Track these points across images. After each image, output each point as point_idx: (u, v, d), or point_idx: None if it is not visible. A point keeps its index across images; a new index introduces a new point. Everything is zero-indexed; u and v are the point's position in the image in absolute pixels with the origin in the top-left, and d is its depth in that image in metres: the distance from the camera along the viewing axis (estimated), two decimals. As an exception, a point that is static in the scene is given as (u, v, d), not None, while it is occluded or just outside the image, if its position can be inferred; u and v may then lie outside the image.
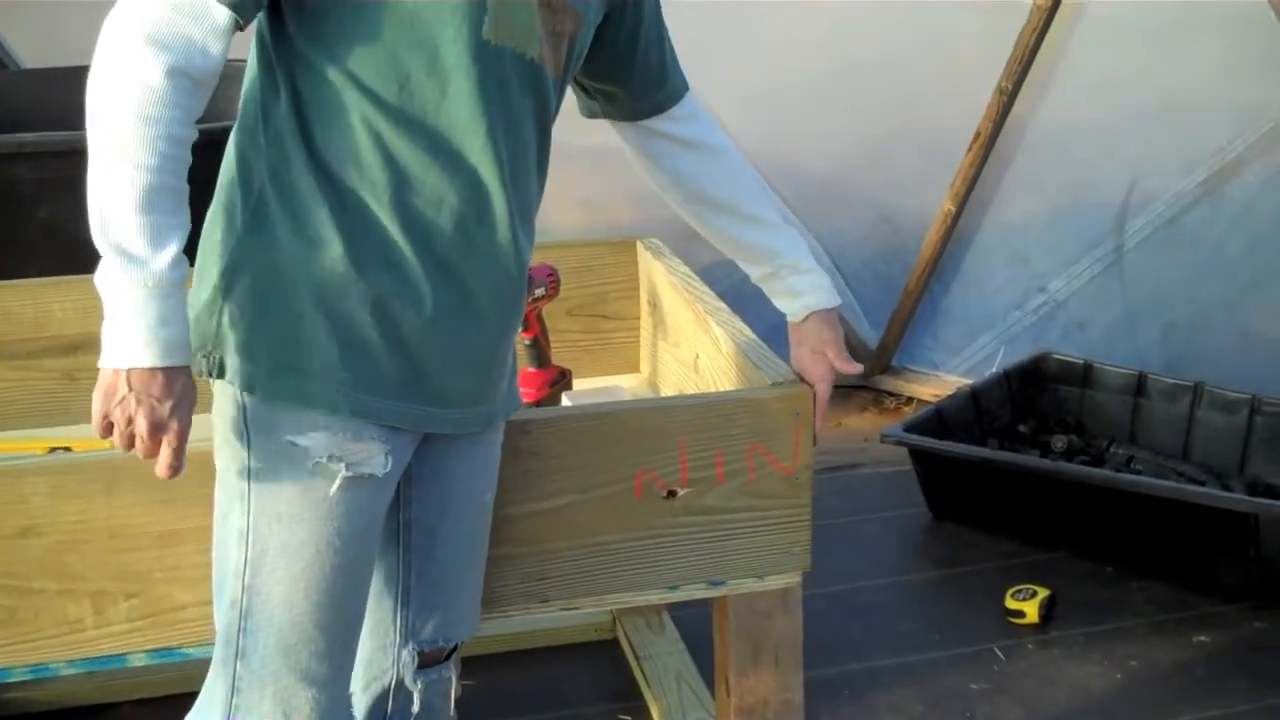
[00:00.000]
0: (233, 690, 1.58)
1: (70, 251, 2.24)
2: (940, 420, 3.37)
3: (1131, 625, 2.84)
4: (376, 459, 1.56)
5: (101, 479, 1.75)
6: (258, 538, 1.55)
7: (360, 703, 1.78)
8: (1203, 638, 2.79)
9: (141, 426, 1.42)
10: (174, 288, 1.42)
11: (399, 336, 1.55)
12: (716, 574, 1.97)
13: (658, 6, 1.82)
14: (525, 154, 1.61)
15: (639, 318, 2.70)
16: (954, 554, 3.18)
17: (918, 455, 3.29)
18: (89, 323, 2.35)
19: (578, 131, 3.77)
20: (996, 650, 2.76)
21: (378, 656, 1.76)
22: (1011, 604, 2.85)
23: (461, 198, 1.55)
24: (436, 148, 1.53)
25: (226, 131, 1.60)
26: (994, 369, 3.65)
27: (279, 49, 1.52)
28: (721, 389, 2.18)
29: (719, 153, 1.92)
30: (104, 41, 1.39)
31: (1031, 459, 3.23)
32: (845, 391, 4.12)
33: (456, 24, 1.49)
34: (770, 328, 4.04)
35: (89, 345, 2.13)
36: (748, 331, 2.18)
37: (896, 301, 4.01)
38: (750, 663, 2.03)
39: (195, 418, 1.48)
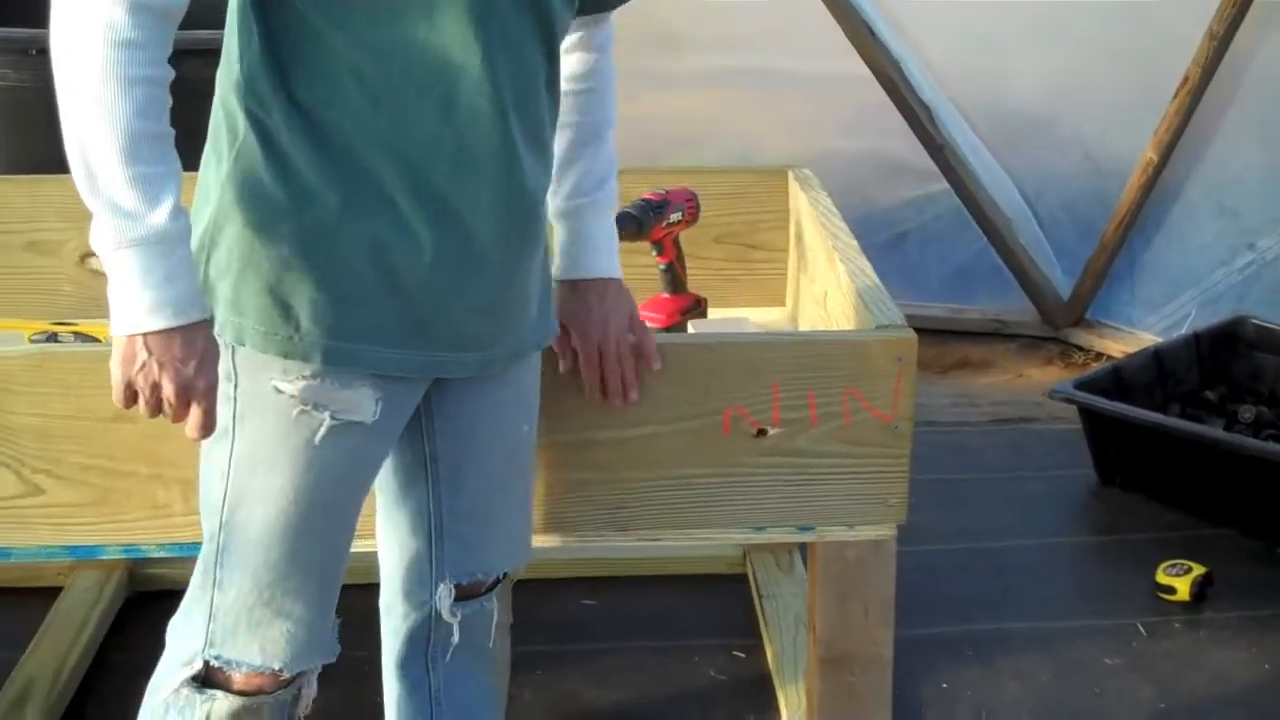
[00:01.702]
0: (210, 616, 1.57)
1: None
2: (1118, 379, 3.19)
3: (1289, 614, 2.66)
4: (365, 406, 1.51)
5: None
6: (237, 477, 1.52)
7: (400, 633, 1.78)
8: (1370, 636, 2.58)
9: (169, 391, 1.36)
10: (177, 240, 1.34)
11: (397, 284, 1.48)
12: (805, 519, 1.90)
13: None
14: (530, 76, 1.51)
15: (787, 250, 2.62)
16: (1113, 520, 3.01)
17: (1087, 414, 3.13)
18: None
19: (795, 57, 3.78)
20: (1139, 626, 2.61)
21: (415, 590, 1.76)
22: (1163, 578, 2.69)
23: (459, 133, 1.46)
24: (427, 82, 1.44)
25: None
26: (1184, 330, 3.44)
27: None
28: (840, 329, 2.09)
29: (607, 82, 1.77)
30: None
31: (1199, 427, 3.03)
32: (1032, 342, 3.95)
33: None
34: (956, 271, 3.94)
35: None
36: (869, 272, 2.08)
37: (1092, 250, 3.80)
38: (837, 614, 1.96)
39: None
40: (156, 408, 1.39)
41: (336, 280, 1.47)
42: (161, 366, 1.35)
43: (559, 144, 1.68)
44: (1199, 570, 2.68)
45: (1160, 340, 3.53)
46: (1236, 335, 3.37)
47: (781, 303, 2.63)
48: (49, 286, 2.48)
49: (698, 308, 2.46)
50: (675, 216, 2.39)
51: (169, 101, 1.34)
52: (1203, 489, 2.97)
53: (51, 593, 2.59)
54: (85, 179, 1.31)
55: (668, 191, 2.38)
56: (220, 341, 1.47)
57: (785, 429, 1.85)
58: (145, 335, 1.35)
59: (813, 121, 4.02)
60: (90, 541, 1.85)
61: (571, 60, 1.73)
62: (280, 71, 1.43)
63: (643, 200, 2.35)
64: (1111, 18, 3.58)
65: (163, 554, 1.88)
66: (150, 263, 1.32)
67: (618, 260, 1.82)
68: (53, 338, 2.28)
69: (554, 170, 1.68)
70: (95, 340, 2.26)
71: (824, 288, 2.27)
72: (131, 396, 1.38)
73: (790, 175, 2.62)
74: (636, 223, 2.31)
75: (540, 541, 1.88)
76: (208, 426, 1.41)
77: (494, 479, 1.72)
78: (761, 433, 1.85)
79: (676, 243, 2.44)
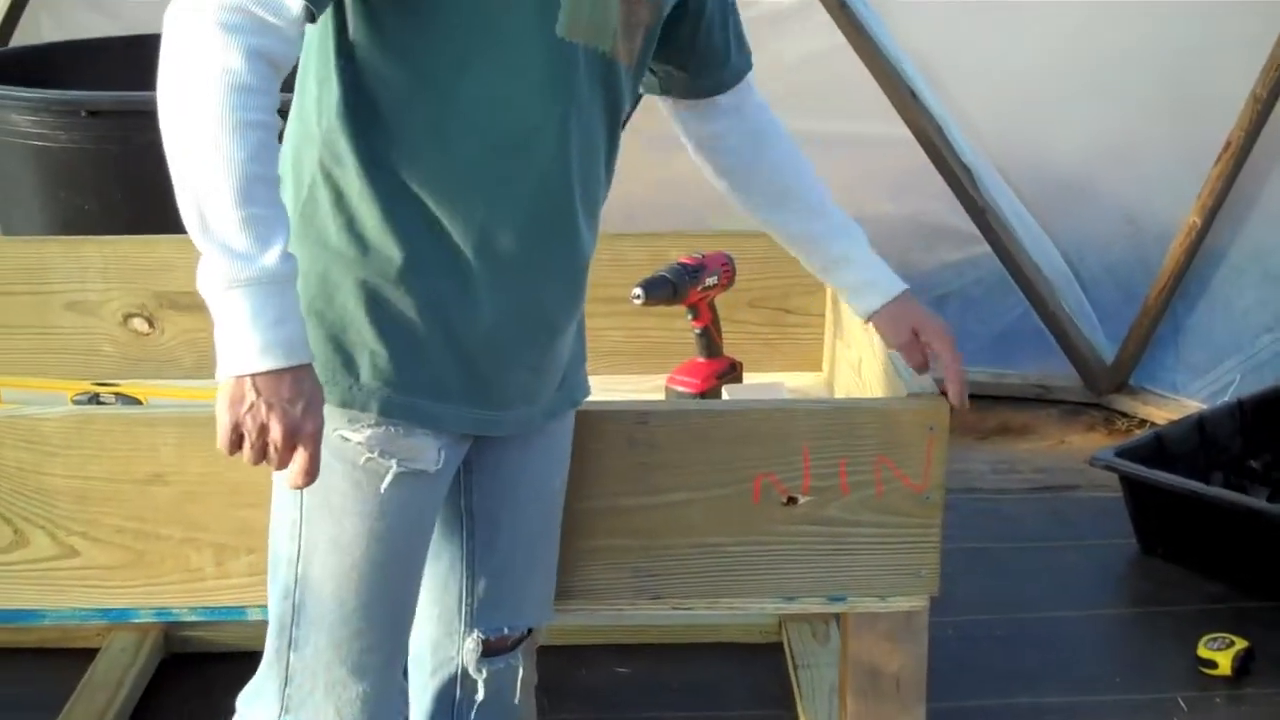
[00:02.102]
0: (286, 680, 1.58)
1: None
2: (1160, 447, 3.15)
3: (1337, 694, 2.60)
4: (429, 454, 1.54)
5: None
6: (309, 530, 1.54)
7: (428, 689, 1.77)
8: None
9: (276, 434, 1.34)
10: (287, 282, 1.34)
11: (454, 341, 1.51)
12: (836, 589, 1.89)
13: None
14: (595, 150, 1.56)
15: (824, 314, 2.61)
16: (1154, 591, 2.97)
17: (1128, 483, 3.09)
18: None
19: (837, 118, 3.80)
20: (1180, 701, 2.56)
21: (444, 643, 1.76)
22: (1204, 652, 2.64)
23: (527, 198, 1.50)
24: (502, 147, 1.48)
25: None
26: (1228, 396, 3.40)
27: (340, 44, 1.47)
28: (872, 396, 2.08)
29: (777, 139, 1.83)
30: (172, 29, 1.32)
31: (1242, 497, 2.99)
32: (1075, 408, 3.91)
33: (532, 22, 1.44)
34: (997, 335, 3.92)
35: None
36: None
37: (1136, 314, 3.77)
38: (869, 687, 1.94)
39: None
40: (262, 452, 1.36)
41: (396, 334, 1.50)
42: (270, 408, 1.33)
43: (793, 216, 1.83)
44: (1241, 644, 2.64)
45: (1204, 407, 3.49)
46: (1281, 403, 3.34)
47: (818, 368, 2.62)
48: (90, 347, 2.51)
49: (733, 372, 2.46)
50: (711, 281, 2.39)
51: (279, 148, 1.38)
52: (1246, 560, 2.92)
53: (87, 654, 2.60)
54: (197, 221, 1.32)
55: (704, 255, 2.39)
56: None
57: (816, 497, 1.84)
58: (255, 376, 1.33)
59: (854, 183, 4.00)
60: (123, 604, 1.87)
61: (735, 135, 1.81)
62: (359, 127, 1.46)
63: (678, 264, 2.36)
64: (1153, 80, 3.57)
65: (195, 618, 1.90)
66: (262, 304, 1.32)
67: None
68: (95, 398, 2.31)
69: (797, 243, 1.86)
70: (136, 401, 2.30)
71: (859, 353, 2.26)
72: (237, 440, 1.35)
73: (827, 240, 2.61)
74: (672, 287, 2.32)
75: (569, 608, 1.88)
76: (312, 472, 1.38)
77: (527, 534, 1.73)
78: (792, 500, 1.84)
79: (712, 306, 2.44)
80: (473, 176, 1.48)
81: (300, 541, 1.55)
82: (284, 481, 1.42)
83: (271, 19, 1.32)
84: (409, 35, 1.45)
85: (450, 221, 1.49)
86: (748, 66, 1.80)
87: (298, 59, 1.40)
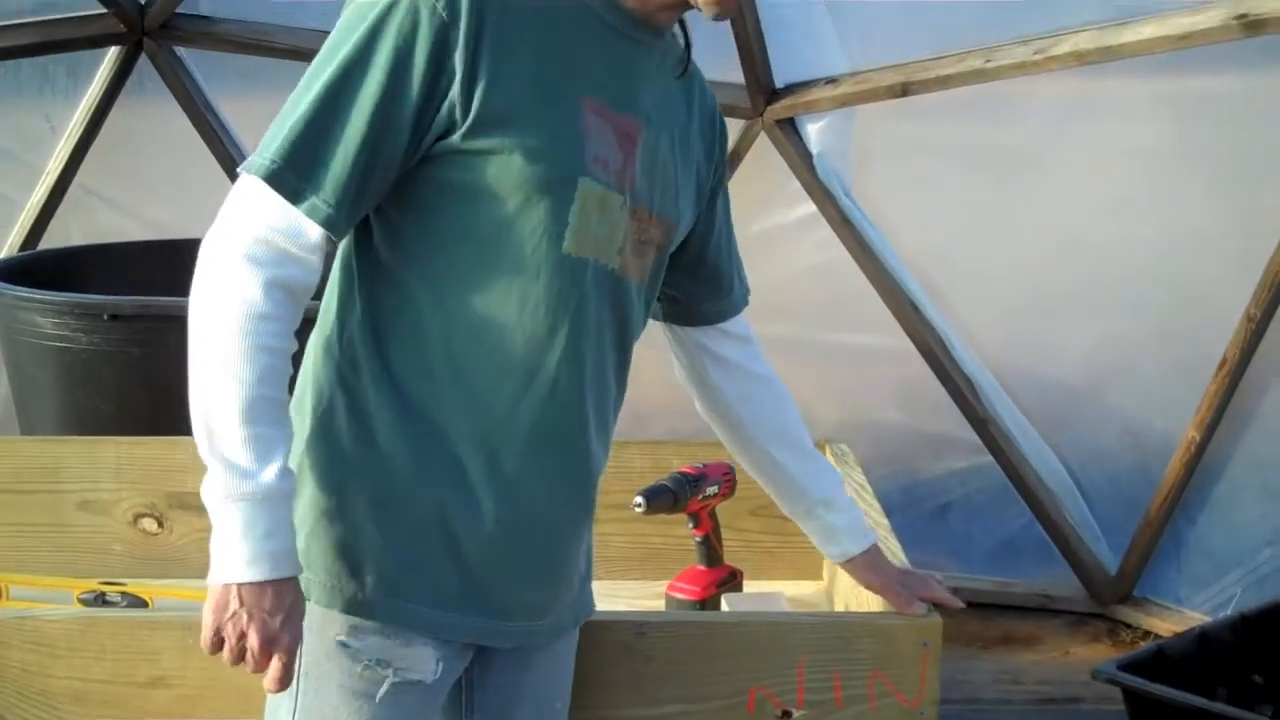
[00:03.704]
0: None
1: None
2: (1162, 660, 3.12)
3: None
4: (427, 666, 1.55)
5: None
6: None
7: None
8: None
9: (254, 642, 1.41)
10: (281, 498, 1.43)
11: (459, 550, 1.55)
12: (830, 805, 1.88)
13: (729, 210, 1.83)
14: (604, 366, 1.61)
15: (823, 524, 2.64)
16: (1160, 810, 2.92)
17: (1131, 697, 3.06)
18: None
19: (842, 329, 3.88)
20: None
21: None
22: None
23: (535, 412, 1.55)
24: (512, 362, 1.53)
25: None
26: (1228, 611, 3.38)
27: (361, 260, 1.56)
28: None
29: (766, 380, 1.90)
30: (203, 260, 1.44)
31: (1246, 714, 2.93)
32: (1079, 619, 3.89)
33: (537, 239, 1.51)
34: (1001, 544, 3.92)
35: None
36: (899, 553, 2.10)
37: (1138, 525, 3.79)
38: None
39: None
40: (240, 656, 1.43)
41: (403, 542, 1.53)
42: (250, 617, 1.41)
43: (783, 455, 1.88)
44: None
45: (1207, 619, 3.48)
46: (1284, 617, 3.32)
47: (818, 577, 2.64)
48: (100, 546, 2.55)
49: (733, 581, 2.48)
50: (711, 490, 2.43)
51: (289, 371, 1.46)
52: (1252, 778, 2.87)
53: None
54: (205, 435, 1.42)
55: (705, 465, 2.44)
56: None
57: (810, 711, 1.85)
58: (240, 585, 1.41)
59: (859, 391, 4.08)
60: (119, 807, 1.87)
61: (732, 367, 1.88)
62: (377, 338, 1.54)
63: (680, 473, 2.41)
64: (1150, 297, 3.64)
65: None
66: (254, 517, 1.41)
67: None
68: (101, 597, 2.33)
69: (782, 482, 1.92)
70: (143, 601, 2.32)
71: (857, 566, 2.28)
72: (218, 643, 1.43)
73: (828, 449, 2.67)
74: (673, 496, 2.36)
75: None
76: (285, 680, 1.44)
77: None
78: (786, 715, 1.85)
79: (713, 515, 2.47)
80: (482, 390, 1.53)
81: None
82: (267, 686, 1.45)
83: (293, 249, 1.43)
84: (420, 252, 1.53)
85: (458, 433, 1.53)
86: (744, 301, 1.88)
87: (316, 284, 1.48)
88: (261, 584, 1.41)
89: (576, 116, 1.52)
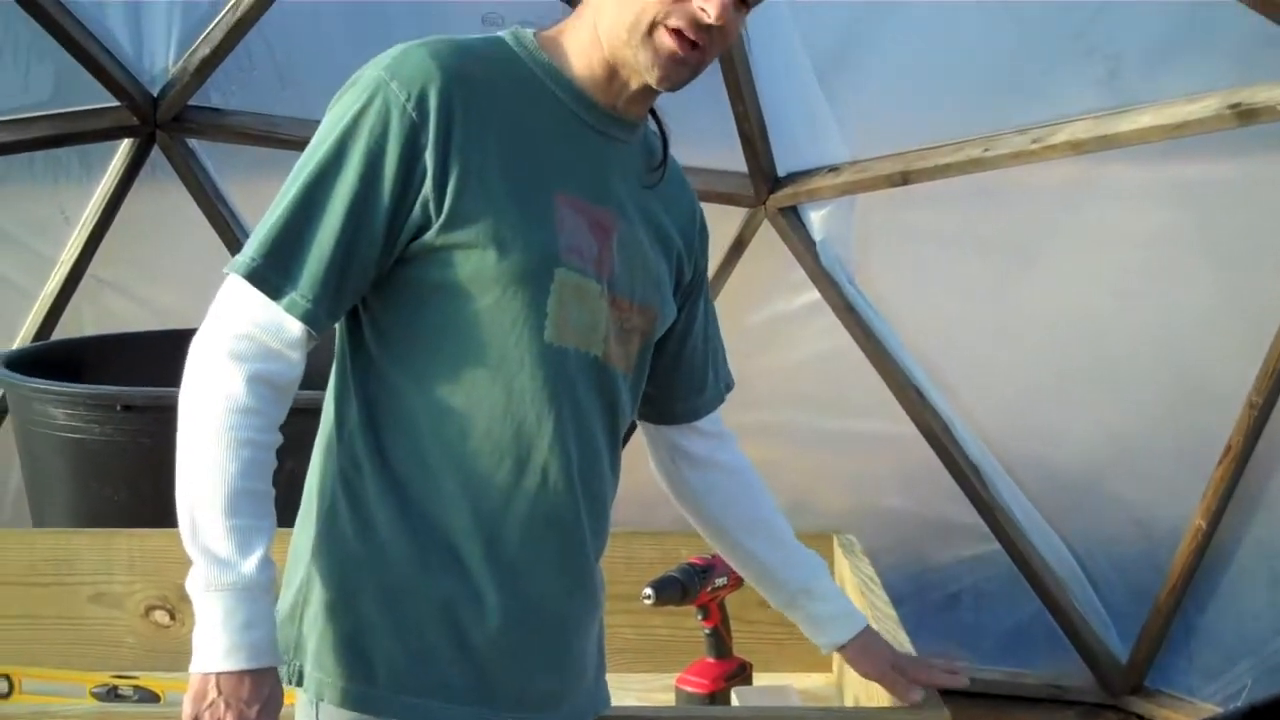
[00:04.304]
0: None
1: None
2: (1174, 751, 3.12)
3: None
4: None
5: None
6: None
7: None
8: None
9: None
10: (261, 590, 1.46)
11: (465, 643, 1.56)
12: None
13: (710, 311, 1.85)
14: (595, 452, 1.62)
15: (833, 615, 2.65)
16: None
17: (1144, 787, 3.06)
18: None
19: (849, 416, 3.90)
20: None
21: None
22: None
23: (529, 501, 1.56)
24: (503, 451, 1.55)
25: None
26: (1239, 701, 3.37)
27: (355, 357, 1.59)
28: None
29: (737, 471, 1.90)
30: (191, 357, 1.49)
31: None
32: (1091, 709, 3.86)
33: (518, 330, 1.54)
34: (1011, 633, 3.91)
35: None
36: (907, 645, 2.10)
37: (1148, 614, 3.78)
38: None
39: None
40: None
41: (410, 637, 1.55)
42: (228, 707, 1.44)
43: (761, 545, 1.89)
44: None
45: (1219, 710, 3.46)
46: (1295, 707, 3.31)
47: (827, 669, 2.64)
48: (112, 638, 2.56)
49: (742, 673, 2.48)
50: (720, 581, 2.44)
51: (273, 464, 1.49)
52: None
53: None
54: (189, 527, 1.46)
55: (713, 556, 2.44)
56: (305, 696, 1.56)
57: (821, 808, 1.85)
58: (218, 675, 1.45)
59: (865, 478, 4.09)
60: None
61: (706, 462, 1.88)
62: (374, 432, 1.56)
63: (688, 565, 2.42)
64: (1153, 382, 3.64)
65: None
66: (233, 608, 1.45)
67: None
68: (113, 691, 2.34)
69: (760, 573, 1.91)
70: (154, 695, 2.32)
71: (867, 658, 2.29)
72: None
73: (835, 540, 2.68)
74: (682, 587, 2.37)
75: None
76: None
77: None
78: (798, 810, 1.85)
79: (722, 607, 2.48)
80: (476, 479, 1.56)
81: None
82: None
83: (275, 344, 1.48)
84: (405, 347, 1.56)
85: (456, 523, 1.55)
86: (723, 395, 1.89)
87: (300, 377, 1.51)
88: (240, 674, 1.45)
89: (550, 209, 1.56)
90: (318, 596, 1.56)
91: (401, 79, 1.51)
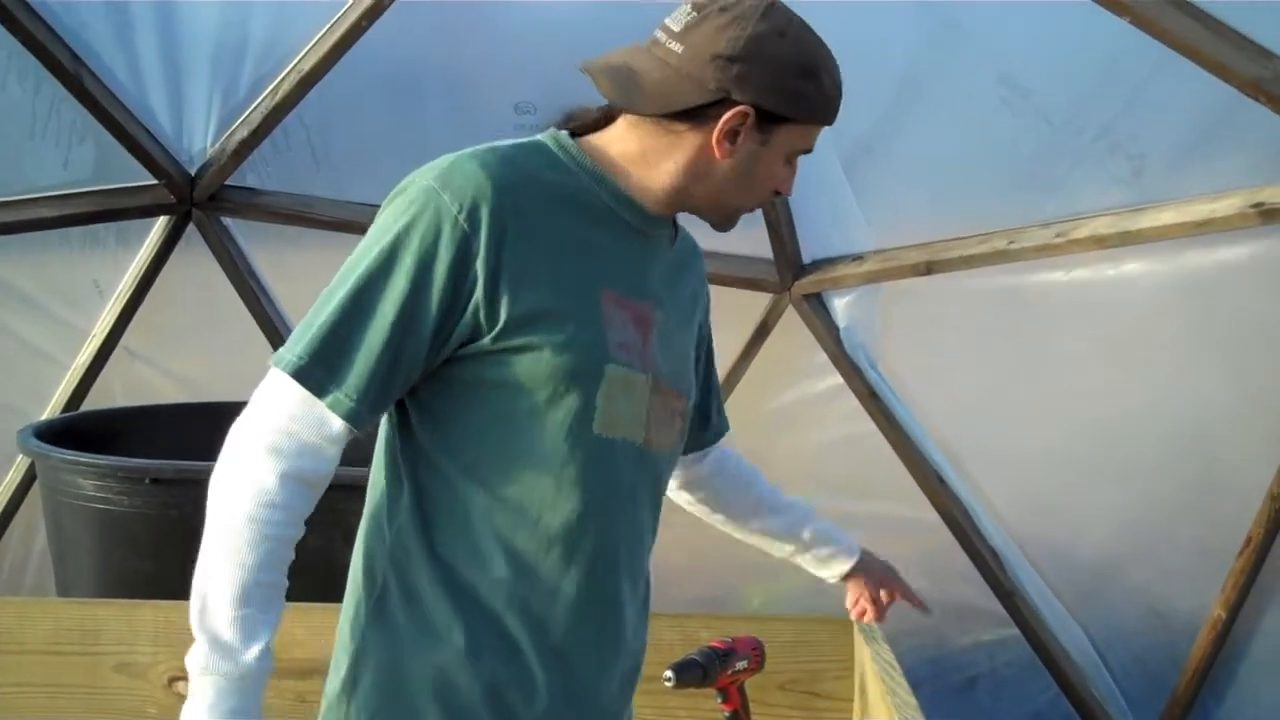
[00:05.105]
0: None
1: (330, 577, 2.41)
2: (1193, 845, 3.10)
3: None
4: None
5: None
6: None
7: None
8: None
9: None
10: (255, 681, 1.50)
11: None
12: None
13: (711, 349, 1.94)
14: (639, 533, 1.68)
15: (852, 699, 2.66)
16: None
17: None
18: (324, 648, 2.50)
19: (868, 500, 3.90)
20: None
21: None
22: None
23: (577, 586, 1.61)
24: (551, 540, 1.59)
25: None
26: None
27: (404, 448, 1.63)
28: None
29: (734, 473, 2.11)
30: (228, 445, 1.53)
31: None
32: (1118, 795, 3.85)
33: (569, 424, 1.58)
34: (1028, 718, 3.89)
35: (321, 671, 2.27)
36: (927, 734, 2.11)
37: (1165, 705, 3.76)
38: None
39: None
40: None
41: (460, 717, 1.57)
42: None
43: (765, 520, 2.16)
44: None
45: (1241, 803, 3.44)
46: (1316, 803, 3.29)
47: (844, 752, 2.64)
48: (134, 708, 2.58)
49: (761, 756, 2.48)
50: (741, 665, 2.44)
51: (291, 557, 1.53)
52: None
53: None
54: (199, 608, 1.50)
55: (734, 639, 2.45)
56: None
57: None
58: None
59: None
60: None
61: (708, 480, 2.10)
62: (425, 521, 1.60)
63: (709, 648, 2.42)
64: (1173, 472, 3.64)
65: None
66: (224, 693, 1.49)
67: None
68: (133, 762, 2.35)
69: (767, 534, 2.19)
70: (173, 767, 2.33)
71: (885, 741, 2.30)
72: None
73: (855, 627, 2.68)
74: (702, 670, 2.37)
75: None
76: None
77: None
78: None
79: (742, 690, 2.48)
80: (527, 566, 1.59)
81: None
82: None
83: (314, 439, 1.51)
84: (457, 439, 1.60)
85: (507, 609, 1.59)
86: (722, 433, 2.03)
87: (333, 473, 1.55)
88: None
89: (596, 308, 1.61)
90: (369, 679, 1.59)
91: (453, 190, 1.55)
